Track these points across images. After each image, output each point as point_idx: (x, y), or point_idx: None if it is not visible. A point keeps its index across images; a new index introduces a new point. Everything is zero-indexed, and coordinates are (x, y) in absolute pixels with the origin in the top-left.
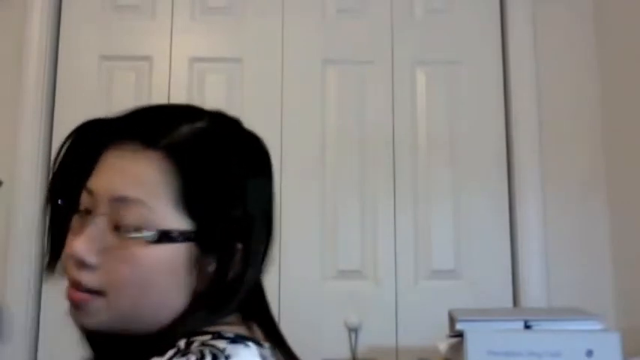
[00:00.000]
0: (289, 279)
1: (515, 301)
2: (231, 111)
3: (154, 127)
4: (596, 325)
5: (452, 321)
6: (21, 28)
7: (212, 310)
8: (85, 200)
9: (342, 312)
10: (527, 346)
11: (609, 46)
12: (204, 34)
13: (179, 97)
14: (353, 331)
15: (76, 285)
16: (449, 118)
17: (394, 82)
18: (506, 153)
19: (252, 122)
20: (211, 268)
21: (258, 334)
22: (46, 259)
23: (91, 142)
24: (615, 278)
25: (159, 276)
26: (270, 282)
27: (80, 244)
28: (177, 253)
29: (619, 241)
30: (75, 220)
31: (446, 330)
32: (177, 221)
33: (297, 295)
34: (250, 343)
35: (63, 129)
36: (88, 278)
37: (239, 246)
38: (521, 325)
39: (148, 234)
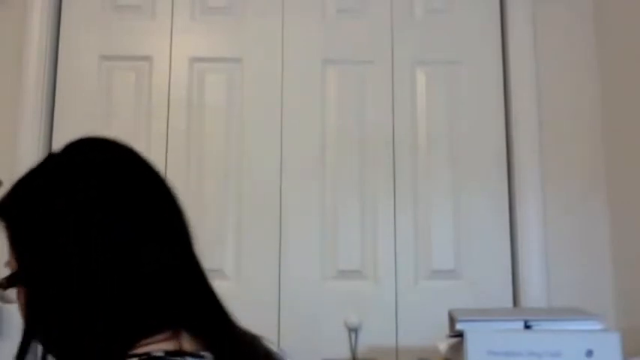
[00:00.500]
0: (289, 279)
1: (515, 301)
2: (232, 111)
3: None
4: (596, 325)
5: (452, 321)
6: (21, 28)
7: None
8: None
9: (342, 312)
10: (527, 346)
11: (609, 46)
12: (204, 34)
13: (179, 97)
14: (353, 331)
15: None
16: (449, 118)
17: (394, 82)
18: (506, 153)
19: (252, 122)
20: None
21: (189, 344)
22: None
23: None
24: (615, 278)
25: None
26: (270, 282)
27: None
28: (21, 290)
29: (619, 241)
30: None
31: (446, 330)
32: (14, 266)
33: (297, 295)
34: (179, 359)
35: (63, 129)
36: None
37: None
38: (521, 325)
39: (3, 280)
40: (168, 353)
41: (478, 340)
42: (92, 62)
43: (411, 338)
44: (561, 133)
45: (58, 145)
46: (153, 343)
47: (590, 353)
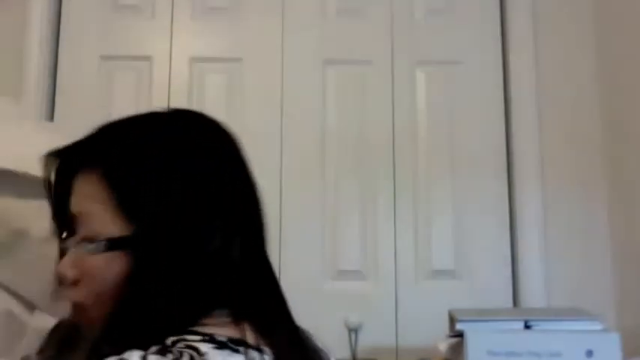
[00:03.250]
0: (289, 279)
1: (515, 301)
2: (232, 111)
3: (95, 148)
4: (596, 325)
5: (452, 321)
6: (21, 28)
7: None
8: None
9: (342, 312)
10: (527, 346)
11: (609, 46)
12: (204, 34)
13: (179, 97)
14: (353, 331)
15: (64, 297)
16: (449, 118)
17: (394, 82)
18: (506, 153)
19: (252, 122)
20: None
21: (251, 336)
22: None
23: (63, 172)
24: (615, 278)
25: (113, 286)
26: None
27: (60, 264)
28: (123, 262)
29: (619, 241)
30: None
31: (446, 330)
32: (120, 230)
33: (297, 295)
34: (242, 349)
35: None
36: (70, 294)
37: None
38: (521, 325)
39: (96, 245)
40: (231, 340)
41: (478, 340)
42: (92, 62)
43: (411, 338)
44: (561, 133)
45: (57, 145)
46: (215, 325)
47: (590, 353)
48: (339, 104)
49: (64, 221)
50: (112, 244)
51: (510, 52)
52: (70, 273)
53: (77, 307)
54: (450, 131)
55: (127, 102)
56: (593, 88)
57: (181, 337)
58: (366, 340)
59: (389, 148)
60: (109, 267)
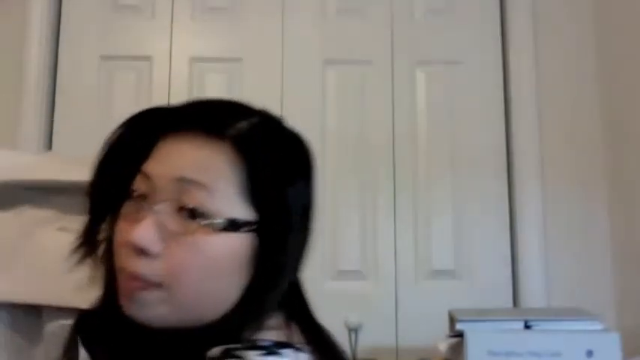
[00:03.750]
0: None
1: (515, 301)
2: None
3: (217, 118)
4: (596, 325)
5: (452, 321)
6: (21, 28)
7: (259, 305)
8: (140, 186)
9: (342, 312)
10: (527, 346)
11: (609, 46)
12: (204, 34)
13: (179, 97)
14: (353, 331)
15: (133, 276)
16: (449, 118)
17: (394, 82)
18: (506, 153)
19: None
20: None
21: (297, 336)
22: (81, 245)
23: (147, 130)
24: (615, 278)
25: (221, 265)
26: None
27: (143, 232)
28: (239, 243)
29: (619, 241)
30: (127, 207)
31: (446, 330)
32: (242, 211)
33: None
34: (284, 351)
35: (63, 129)
36: (147, 268)
37: (291, 239)
38: (521, 325)
39: (218, 221)
40: (274, 344)
41: (478, 340)
42: (92, 62)
43: (411, 338)
44: (561, 133)
45: (57, 144)
46: (266, 328)
47: (590, 353)
48: (339, 104)
49: (136, 180)
50: (235, 225)
51: (510, 52)
52: (152, 244)
53: (152, 283)
54: (450, 131)
55: (127, 102)
56: (593, 88)
57: (227, 346)
58: (366, 340)
59: (389, 148)
60: (220, 247)
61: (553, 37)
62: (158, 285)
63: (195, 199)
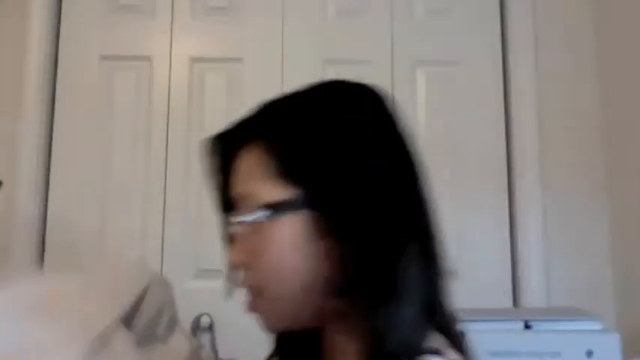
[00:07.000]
0: None
1: (515, 301)
2: (231, 111)
3: (257, 121)
4: (596, 326)
5: None
6: (21, 28)
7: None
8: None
9: None
10: (527, 346)
11: (610, 47)
12: (204, 34)
13: (179, 97)
14: None
15: (245, 290)
16: (449, 118)
17: (394, 82)
18: (506, 153)
19: None
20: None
21: (442, 342)
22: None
23: (223, 153)
24: (615, 278)
25: (286, 250)
26: None
27: (230, 253)
28: (295, 223)
29: (619, 240)
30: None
31: None
32: (283, 193)
33: None
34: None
35: (63, 129)
36: (246, 278)
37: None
38: (521, 325)
39: (260, 214)
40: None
41: (478, 340)
42: (92, 62)
43: None
44: (561, 133)
45: (57, 144)
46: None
47: (590, 354)
48: None
49: (228, 205)
50: (277, 208)
51: (510, 52)
52: (239, 258)
53: (255, 293)
54: (450, 131)
55: (127, 102)
56: (593, 88)
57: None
58: None
59: None
60: (279, 234)
61: (553, 37)
62: (260, 292)
63: (244, 208)
